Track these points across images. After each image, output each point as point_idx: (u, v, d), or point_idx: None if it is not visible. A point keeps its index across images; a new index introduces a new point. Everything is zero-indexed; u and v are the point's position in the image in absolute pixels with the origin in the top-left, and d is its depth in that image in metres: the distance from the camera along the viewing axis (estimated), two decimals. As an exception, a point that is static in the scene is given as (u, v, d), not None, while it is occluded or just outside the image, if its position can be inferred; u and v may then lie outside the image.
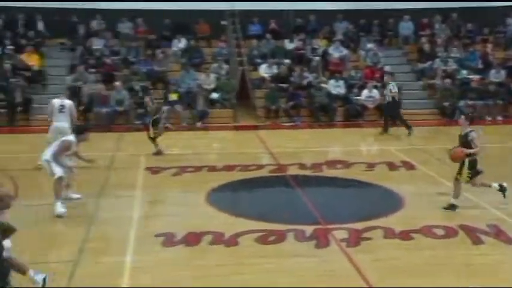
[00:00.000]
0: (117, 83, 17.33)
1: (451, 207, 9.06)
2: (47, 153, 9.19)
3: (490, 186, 9.25)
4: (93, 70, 18.25)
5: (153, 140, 13.26)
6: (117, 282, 6.67)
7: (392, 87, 16.15)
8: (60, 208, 8.94)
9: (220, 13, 20.78)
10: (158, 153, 13.12)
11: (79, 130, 9.64)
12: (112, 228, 8.65)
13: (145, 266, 7.17)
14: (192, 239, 8.02)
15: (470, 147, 8.82)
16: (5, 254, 4.84)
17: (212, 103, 18.23)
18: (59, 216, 8.89)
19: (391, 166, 12.36)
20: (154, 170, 11.83)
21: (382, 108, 17.31)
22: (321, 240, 7.99)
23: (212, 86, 18.47)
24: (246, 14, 20.80)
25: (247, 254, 7.62)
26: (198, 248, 7.77)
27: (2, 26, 19.40)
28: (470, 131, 8.90)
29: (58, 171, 9.00)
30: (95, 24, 20.15)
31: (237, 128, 17.78)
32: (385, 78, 17.83)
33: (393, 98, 16.08)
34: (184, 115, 17.52)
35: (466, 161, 8.85)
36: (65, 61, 19.09)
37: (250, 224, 8.67)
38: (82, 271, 6.97)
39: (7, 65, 17.64)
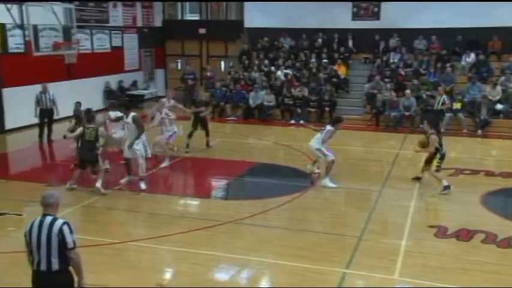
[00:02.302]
0: (407, 91, 17.03)
1: (445, 188, 9.21)
2: (314, 143, 9.80)
3: (440, 180, 9.37)
4: (387, 80, 18.22)
5: None
6: (392, 261, 6.59)
7: (446, 99, 14.97)
8: (329, 182, 9.62)
9: (516, 30, 18.49)
10: None
11: (336, 120, 10.04)
12: (391, 215, 8.57)
13: (416, 252, 6.94)
14: (464, 234, 7.43)
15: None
16: None
17: (496, 113, 16.42)
18: (327, 187, 9.55)
19: None
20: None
21: None
22: None
23: (497, 97, 16.63)
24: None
25: (519, 258, 6.70)
26: (469, 244, 7.16)
27: (321, 44, 20.79)
28: (431, 134, 9.50)
29: (330, 155, 9.67)
30: (393, 41, 20.09)
31: (518, 139, 15.64)
32: (440, 89, 16.02)
33: (441, 109, 14.94)
34: (466, 122, 16.21)
35: (438, 154, 9.42)
36: (365, 72, 19.50)
37: (525, 230, 7.60)
38: (364, 246, 7.08)
39: (322, 75, 18.91)
